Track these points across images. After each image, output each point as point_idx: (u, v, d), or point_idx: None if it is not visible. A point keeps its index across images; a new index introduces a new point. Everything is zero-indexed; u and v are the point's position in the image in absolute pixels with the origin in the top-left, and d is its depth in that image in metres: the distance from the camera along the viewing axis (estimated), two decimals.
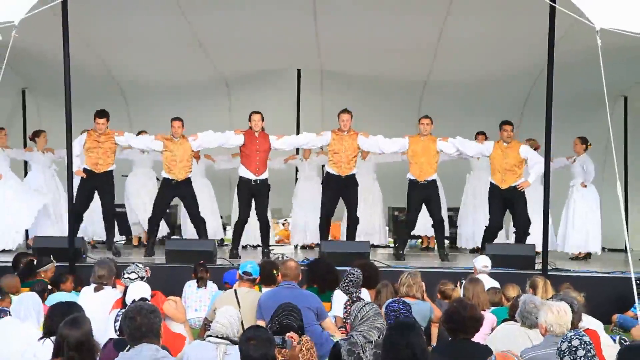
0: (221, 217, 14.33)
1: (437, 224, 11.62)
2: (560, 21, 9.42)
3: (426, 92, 14.32)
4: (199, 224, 11.69)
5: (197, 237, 11.70)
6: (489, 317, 7.14)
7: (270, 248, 11.98)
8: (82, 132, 11.73)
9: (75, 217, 10.91)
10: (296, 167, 13.90)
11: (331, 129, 11.58)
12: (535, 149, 11.72)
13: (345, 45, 12.57)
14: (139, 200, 13.12)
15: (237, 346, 4.99)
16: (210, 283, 9.19)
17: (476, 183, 12.79)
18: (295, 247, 13.93)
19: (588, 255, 12.08)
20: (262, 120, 11.38)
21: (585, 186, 12.04)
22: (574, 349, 4.59)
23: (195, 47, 12.67)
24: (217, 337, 5.47)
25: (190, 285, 9.21)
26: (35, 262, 8.89)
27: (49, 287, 8.33)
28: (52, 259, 9.00)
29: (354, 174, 11.55)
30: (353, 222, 11.67)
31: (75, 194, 10.73)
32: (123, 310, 5.94)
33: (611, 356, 6.21)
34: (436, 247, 12.09)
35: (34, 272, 8.65)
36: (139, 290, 6.76)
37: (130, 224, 13.32)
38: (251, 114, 11.42)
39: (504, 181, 11.27)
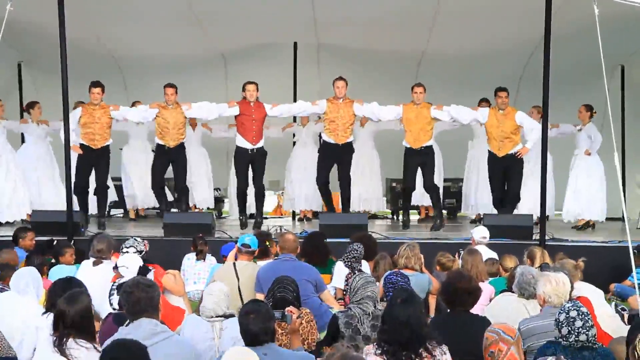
0: (217, 190, 14.35)
1: (430, 190, 11.56)
2: None
3: (423, 64, 14.24)
4: (181, 194, 11.72)
5: (178, 204, 11.83)
6: (486, 288, 7.16)
7: (264, 217, 12.05)
8: (75, 105, 11.61)
9: (80, 193, 11.10)
10: (293, 134, 13.87)
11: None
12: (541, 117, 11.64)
13: (342, 18, 12.45)
14: (135, 172, 13.16)
15: (233, 319, 5.00)
16: (209, 256, 9.21)
17: (480, 150, 12.49)
18: (293, 218, 13.96)
19: (592, 224, 12.00)
20: (257, 90, 11.34)
21: (590, 154, 11.94)
22: (572, 319, 4.63)
23: (192, 20, 12.56)
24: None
25: (189, 258, 9.24)
26: (55, 243, 8.96)
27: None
28: (71, 244, 9.05)
29: (350, 142, 11.55)
30: (344, 191, 11.60)
31: (75, 170, 10.76)
32: (116, 283, 5.97)
33: (610, 326, 6.28)
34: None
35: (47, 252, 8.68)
36: (129, 260, 6.80)
37: (125, 196, 13.33)
38: (245, 84, 11.37)
39: (501, 149, 11.16)
